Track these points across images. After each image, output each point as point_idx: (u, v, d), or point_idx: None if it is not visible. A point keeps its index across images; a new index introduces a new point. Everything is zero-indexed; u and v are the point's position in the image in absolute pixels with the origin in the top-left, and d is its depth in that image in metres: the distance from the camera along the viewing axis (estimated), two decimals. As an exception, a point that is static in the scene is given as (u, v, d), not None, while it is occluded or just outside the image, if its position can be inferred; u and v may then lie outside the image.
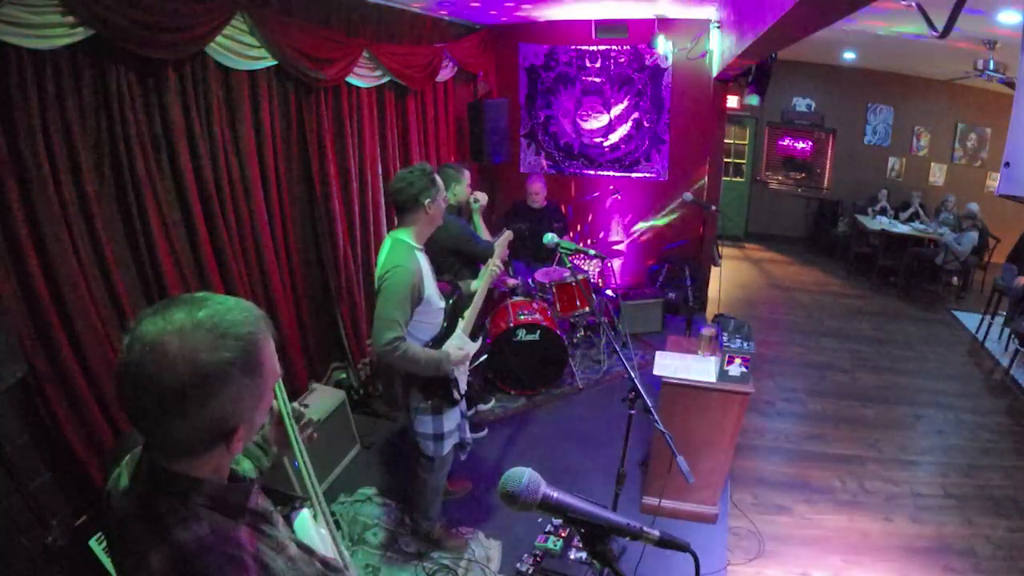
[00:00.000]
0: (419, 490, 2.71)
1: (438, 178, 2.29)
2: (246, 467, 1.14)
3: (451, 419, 2.52)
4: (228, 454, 0.87)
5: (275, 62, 2.94)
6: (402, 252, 2.22)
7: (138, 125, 2.37)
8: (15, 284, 1.98)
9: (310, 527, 1.08)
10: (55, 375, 2.09)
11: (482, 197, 3.45)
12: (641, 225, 5.87)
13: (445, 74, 4.69)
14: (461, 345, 2.38)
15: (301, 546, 0.96)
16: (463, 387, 2.51)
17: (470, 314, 2.47)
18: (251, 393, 0.84)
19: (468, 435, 2.78)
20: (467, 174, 3.42)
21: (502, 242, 2.77)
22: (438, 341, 2.36)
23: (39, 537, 1.93)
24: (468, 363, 2.54)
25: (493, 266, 2.59)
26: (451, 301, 2.43)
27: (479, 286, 2.56)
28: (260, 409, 0.88)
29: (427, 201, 2.24)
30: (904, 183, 8.18)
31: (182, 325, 0.78)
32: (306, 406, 3.05)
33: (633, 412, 2.20)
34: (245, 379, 0.82)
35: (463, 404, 2.60)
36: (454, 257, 3.24)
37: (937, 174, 8.22)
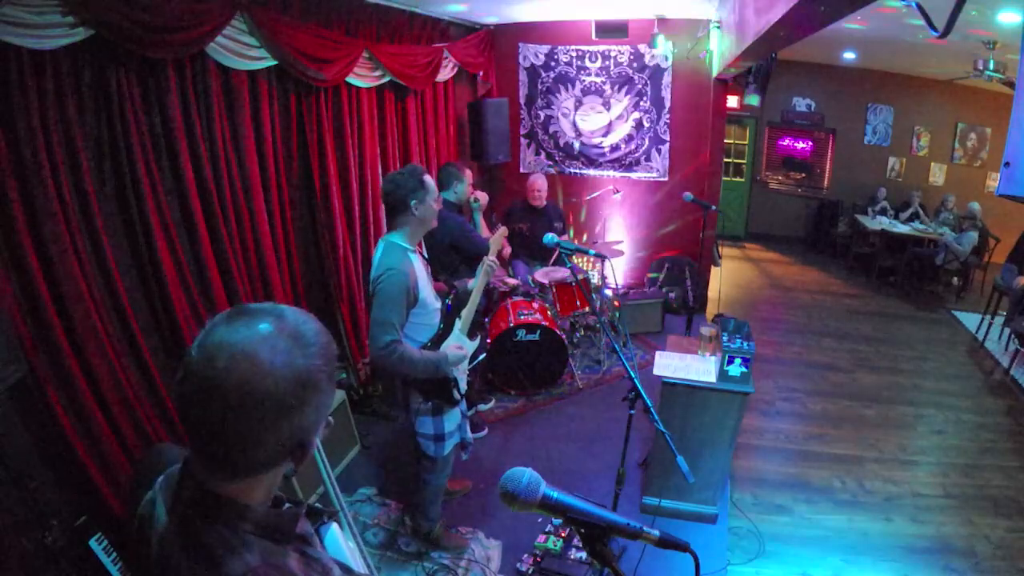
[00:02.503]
0: (420, 491, 2.70)
1: (428, 179, 2.25)
2: None
3: (451, 420, 2.51)
4: (284, 470, 0.84)
5: (275, 62, 2.94)
6: (395, 255, 2.21)
7: (138, 125, 2.37)
8: (15, 284, 1.98)
9: (340, 542, 1.06)
10: (55, 375, 2.09)
11: (482, 197, 3.48)
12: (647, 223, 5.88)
13: (445, 74, 4.69)
14: (459, 344, 2.38)
15: (341, 566, 0.93)
16: (463, 387, 2.50)
17: (467, 313, 2.47)
18: (327, 401, 0.82)
19: (469, 435, 2.77)
20: (469, 173, 3.45)
21: (497, 238, 2.75)
22: (435, 342, 2.35)
23: (39, 537, 1.94)
24: (467, 362, 2.53)
25: (489, 262, 2.56)
26: (447, 301, 2.42)
27: (476, 284, 2.55)
28: (324, 418, 0.85)
29: (414, 203, 2.21)
30: (904, 183, 8.18)
31: (269, 333, 0.74)
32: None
33: (633, 412, 2.20)
34: (327, 386, 0.80)
35: (463, 404, 2.60)
36: (453, 252, 3.25)
37: (937, 174, 8.23)
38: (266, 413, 0.73)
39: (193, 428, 0.75)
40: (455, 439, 2.58)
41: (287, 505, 0.90)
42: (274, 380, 0.72)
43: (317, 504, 1.04)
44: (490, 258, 2.58)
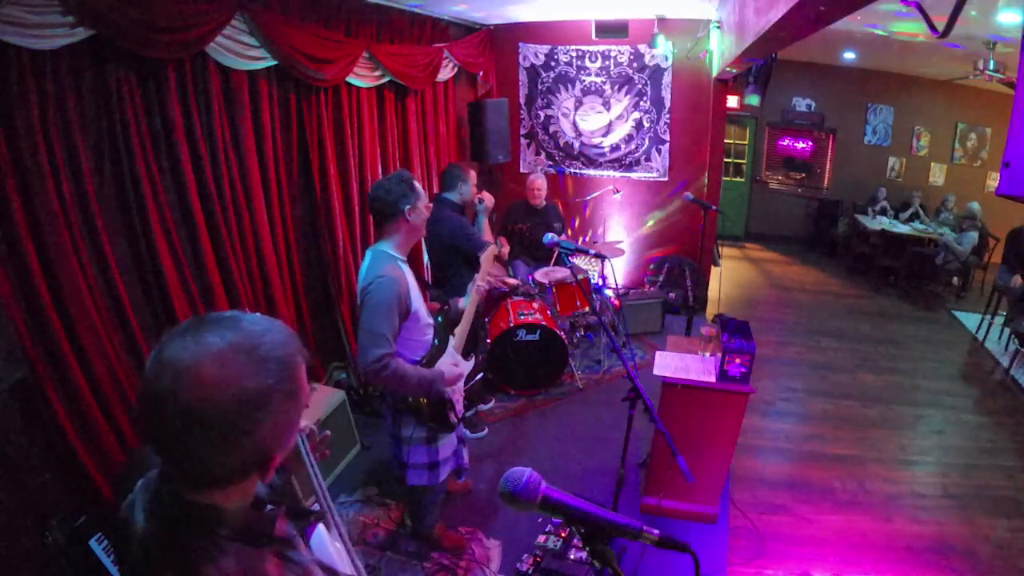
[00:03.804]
0: (416, 505, 2.69)
1: (418, 185, 2.18)
2: None
3: (447, 446, 2.44)
4: (258, 481, 0.83)
5: (275, 62, 2.94)
6: (384, 263, 2.09)
7: (138, 125, 2.37)
8: (15, 284, 1.98)
9: (325, 543, 1.06)
10: (55, 375, 2.09)
11: (488, 199, 3.45)
12: (648, 222, 5.87)
13: (445, 74, 4.69)
14: (455, 363, 2.31)
15: (324, 568, 0.93)
16: (459, 409, 2.42)
17: (460, 331, 2.40)
18: (289, 418, 0.80)
19: (465, 460, 2.71)
20: (473, 174, 3.43)
21: (487, 256, 2.66)
22: (430, 360, 2.26)
23: (39, 537, 1.94)
24: (463, 383, 2.46)
25: (480, 282, 2.47)
26: (439, 319, 2.35)
27: (467, 303, 2.48)
28: (293, 433, 0.84)
29: (407, 208, 2.10)
30: (904, 183, 8.18)
31: (219, 349, 0.72)
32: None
33: (633, 412, 2.20)
34: (285, 404, 0.78)
35: (461, 428, 2.52)
36: (453, 252, 3.24)
37: (937, 174, 8.23)
38: (214, 433, 0.72)
39: (151, 442, 0.74)
40: (450, 465, 2.51)
41: (269, 507, 0.89)
42: (221, 401, 0.71)
43: (315, 506, 1.04)
44: (481, 276, 2.49)
